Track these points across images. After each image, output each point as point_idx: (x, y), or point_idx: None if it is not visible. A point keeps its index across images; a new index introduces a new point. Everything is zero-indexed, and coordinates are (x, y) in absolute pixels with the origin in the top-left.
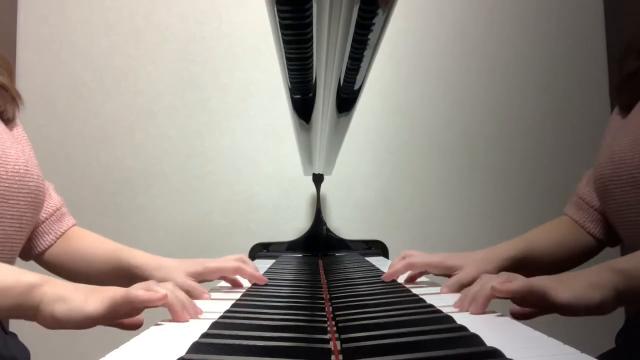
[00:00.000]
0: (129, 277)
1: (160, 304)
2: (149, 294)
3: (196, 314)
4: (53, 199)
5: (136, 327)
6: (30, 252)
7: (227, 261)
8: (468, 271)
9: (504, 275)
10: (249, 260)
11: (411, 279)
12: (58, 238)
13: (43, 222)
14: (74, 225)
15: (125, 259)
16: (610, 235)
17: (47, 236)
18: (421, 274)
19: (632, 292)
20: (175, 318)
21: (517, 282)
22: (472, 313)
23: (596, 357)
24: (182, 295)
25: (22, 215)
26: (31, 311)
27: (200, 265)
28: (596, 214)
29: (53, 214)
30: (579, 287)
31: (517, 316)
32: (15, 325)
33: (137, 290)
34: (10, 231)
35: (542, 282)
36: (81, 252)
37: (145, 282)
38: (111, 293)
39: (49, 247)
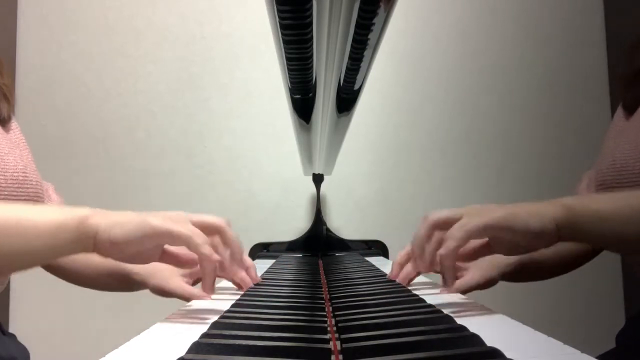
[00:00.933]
0: (126, 282)
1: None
2: (205, 251)
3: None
4: (53, 201)
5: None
6: None
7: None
8: (472, 275)
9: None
10: (247, 258)
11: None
12: None
13: None
14: None
15: (121, 265)
16: None
17: None
18: (418, 273)
19: (574, 228)
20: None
21: (457, 234)
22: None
23: (596, 357)
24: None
25: None
26: (90, 241)
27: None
28: None
29: None
30: (520, 211)
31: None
32: (15, 326)
33: (198, 238)
34: None
35: (481, 218)
36: (80, 255)
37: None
38: (171, 223)
39: None
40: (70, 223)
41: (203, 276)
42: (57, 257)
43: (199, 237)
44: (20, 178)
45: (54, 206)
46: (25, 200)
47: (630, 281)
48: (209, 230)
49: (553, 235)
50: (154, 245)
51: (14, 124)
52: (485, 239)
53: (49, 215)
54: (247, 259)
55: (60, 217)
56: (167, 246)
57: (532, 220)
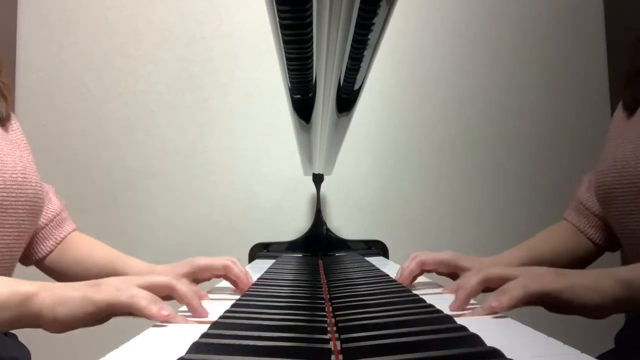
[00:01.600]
0: None
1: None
2: (152, 312)
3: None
4: (53, 204)
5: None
6: (30, 257)
7: (217, 259)
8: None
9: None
10: (239, 264)
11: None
12: (58, 244)
13: (43, 227)
14: (73, 230)
15: (120, 268)
16: (610, 241)
17: (47, 242)
18: (421, 272)
19: (630, 302)
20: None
21: (513, 293)
22: (452, 309)
23: (596, 357)
24: (190, 292)
25: (20, 223)
26: (34, 320)
27: (189, 265)
28: (597, 220)
29: (53, 219)
30: (579, 284)
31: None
32: None
33: (141, 301)
34: (8, 240)
35: (539, 283)
36: (79, 259)
37: (151, 283)
38: (114, 292)
39: (49, 253)
40: (12, 301)
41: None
42: (6, 329)
43: (141, 299)
44: (20, 179)
45: (1, 279)
46: (24, 201)
47: None
48: (158, 291)
49: (609, 310)
50: (98, 320)
51: (14, 124)
52: None
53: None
54: (203, 296)
55: (2, 294)
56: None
57: (592, 296)
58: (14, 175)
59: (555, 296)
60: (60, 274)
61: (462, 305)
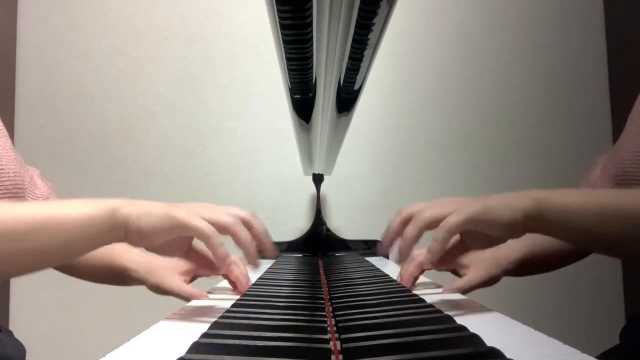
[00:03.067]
0: (123, 278)
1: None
2: (217, 253)
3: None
4: (39, 188)
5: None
6: None
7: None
8: (475, 274)
9: (416, 224)
10: (241, 265)
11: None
12: None
13: None
14: None
15: (118, 261)
16: None
17: None
18: (421, 272)
19: (537, 219)
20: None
21: (439, 236)
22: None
23: (600, 354)
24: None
25: None
26: (122, 231)
27: (190, 264)
28: None
29: None
30: (493, 204)
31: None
32: (15, 325)
33: (214, 240)
34: None
35: (456, 215)
36: None
37: (233, 215)
38: (198, 220)
39: None
40: (102, 214)
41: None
42: (92, 249)
43: (217, 237)
44: None
45: (85, 200)
46: (2, 194)
47: (630, 278)
48: (222, 229)
49: (521, 226)
50: (179, 237)
51: None
52: (457, 239)
53: (81, 208)
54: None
55: (92, 209)
56: (194, 244)
57: (504, 212)
58: None
59: (475, 219)
60: None
61: (406, 255)
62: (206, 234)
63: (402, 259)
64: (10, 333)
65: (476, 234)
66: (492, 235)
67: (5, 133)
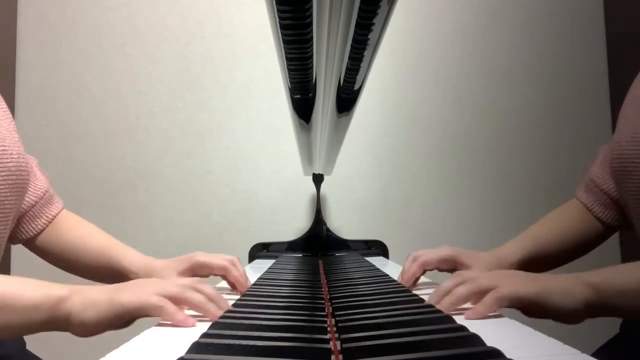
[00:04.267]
0: (119, 278)
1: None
2: (178, 317)
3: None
4: (39, 179)
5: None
6: (19, 236)
7: (217, 258)
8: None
9: (469, 285)
10: (239, 265)
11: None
12: (49, 222)
13: (33, 205)
14: (62, 208)
15: (117, 261)
16: (619, 221)
17: (38, 220)
18: (423, 273)
19: (601, 306)
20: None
21: (486, 300)
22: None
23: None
24: (212, 295)
25: (3, 200)
26: (62, 323)
27: (188, 262)
28: (605, 198)
29: (42, 197)
30: (554, 288)
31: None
32: None
33: (171, 307)
34: None
35: (511, 287)
36: (72, 243)
37: (180, 285)
38: (144, 295)
39: (40, 232)
40: (45, 304)
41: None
42: (26, 334)
43: (170, 306)
44: None
45: (33, 281)
46: (5, 176)
47: None
48: (173, 300)
49: (582, 315)
50: (125, 322)
51: None
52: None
53: (28, 292)
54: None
55: (36, 296)
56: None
57: (566, 300)
58: None
59: (529, 300)
60: (49, 255)
61: (448, 309)
62: (158, 307)
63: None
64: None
65: (530, 312)
66: (547, 317)
67: (9, 115)
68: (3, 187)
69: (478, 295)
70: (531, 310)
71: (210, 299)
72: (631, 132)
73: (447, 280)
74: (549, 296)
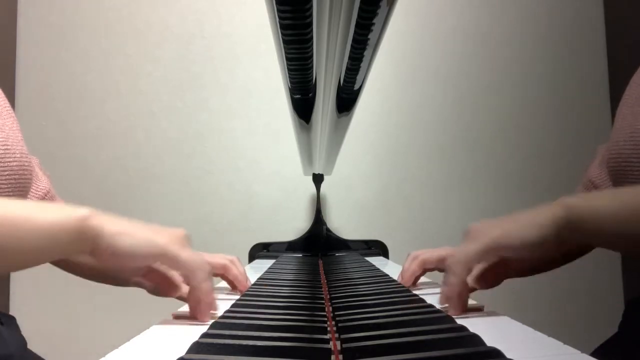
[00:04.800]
0: (121, 280)
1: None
2: (203, 288)
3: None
4: (41, 180)
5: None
6: None
7: (217, 257)
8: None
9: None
10: (240, 264)
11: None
12: None
13: None
14: None
15: None
16: None
17: None
18: (423, 272)
19: (571, 227)
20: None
21: (455, 269)
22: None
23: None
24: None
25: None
26: (88, 242)
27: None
28: None
29: (44, 198)
30: (511, 227)
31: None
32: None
33: (203, 273)
34: None
35: (477, 244)
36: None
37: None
38: (183, 250)
39: None
40: (70, 222)
41: (195, 307)
42: (55, 258)
43: (203, 272)
44: (0, 152)
45: (54, 204)
46: (7, 175)
47: (630, 272)
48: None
49: (554, 240)
50: (151, 264)
51: None
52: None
53: (49, 213)
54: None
55: (61, 215)
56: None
57: (528, 231)
58: None
59: (493, 247)
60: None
61: (463, 307)
62: (190, 267)
63: (456, 308)
64: (13, 321)
65: (510, 263)
66: (525, 259)
67: (13, 114)
68: (6, 186)
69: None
70: (506, 259)
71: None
72: (629, 131)
73: (445, 278)
74: (509, 234)
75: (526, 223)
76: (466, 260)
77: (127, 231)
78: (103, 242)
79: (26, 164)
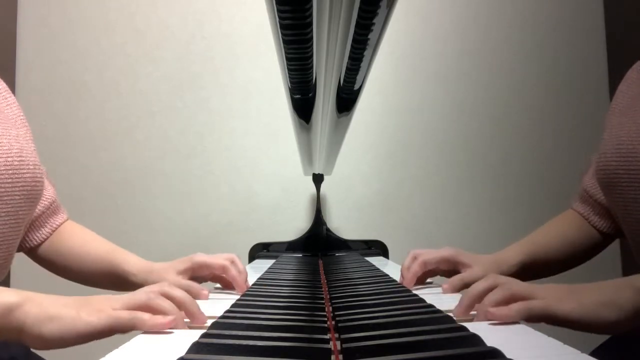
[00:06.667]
0: (121, 282)
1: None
2: (155, 322)
3: (200, 318)
4: (47, 190)
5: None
6: (22, 244)
7: (216, 258)
8: (475, 272)
9: (502, 290)
10: (239, 263)
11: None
12: (53, 232)
13: (39, 215)
14: (67, 218)
15: (117, 264)
16: (618, 228)
17: (42, 230)
18: (430, 272)
19: None
20: (192, 322)
21: (515, 306)
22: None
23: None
24: (186, 299)
25: (17, 210)
26: (13, 333)
27: (188, 262)
28: (600, 208)
29: (49, 207)
30: (589, 302)
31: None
32: None
33: (144, 315)
34: (5, 229)
35: (544, 302)
36: (74, 251)
37: (147, 292)
38: (112, 312)
39: (43, 241)
40: None
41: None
42: None
43: (142, 315)
44: (16, 163)
45: None
46: (21, 187)
47: (630, 272)
48: (142, 308)
49: (630, 323)
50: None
51: (10, 98)
52: None
53: None
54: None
55: None
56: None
57: (607, 312)
58: (9, 159)
59: (562, 318)
60: (52, 264)
61: (467, 310)
62: (130, 321)
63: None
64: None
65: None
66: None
67: (26, 123)
68: (19, 197)
69: (509, 300)
70: (565, 325)
71: (180, 303)
72: (615, 143)
73: (479, 282)
74: (586, 310)
75: (602, 302)
76: (527, 314)
77: (53, 317)
78: (31, 331)
79: (39, 175)
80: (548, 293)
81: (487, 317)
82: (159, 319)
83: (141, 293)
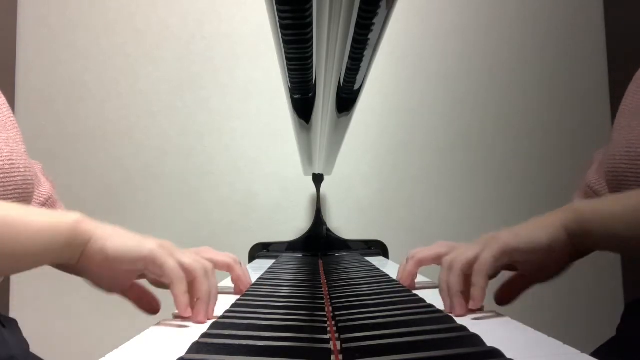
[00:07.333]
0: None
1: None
2: (181, 309)
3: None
4: (43, 185)
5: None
6: None
7: (222, 255)
8: (445, 260)
9: (453, 274)
10: (243, 266)
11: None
12: None
13: None
14: None
15: None
16: None
17: None
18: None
19: (581, 231)
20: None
21: (475, 292)
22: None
23: (598, 347)
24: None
25: None
26: (79, 248)
27: (195, 254)
28: None
29: (45, 203)
30: (524, 230)
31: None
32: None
33: (184, 297)
34: None
35: (484, 260)
36: None
37: (204, 267)
38: (174, 264)
39: None
40: (62, 226)
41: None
42: (47, 263)
43: (182, 284)
44: (7, 167)
45: (45, 210)
46: (12, 190)
47: (630, 272)
48: (188, 273)
49: (565, 243)
50: (138, 270)
51: None
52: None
53: (41, 217)
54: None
55: (52, 220)
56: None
57: (536, 234)
58: (0, 163)
59: (504, 252)
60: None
61: (460, 308)
62: (174, 276)
63: (458, 310)
64: (14, 324)
65: (525, 268)
66: (537, 263)
67: (16, 124)
68: (11, 200)
69: (466, 273)
70: (520, 264)
71: (209, 296)
72: (625, 145)
73: (443, 278)
74: (517, 238)
75: (536, 227)
76: (486, 269)
77: (117, 234)
78: (94, 245)
79: (29, 176)
80: (487, 242)
81: (469, 311)
82: (184, 311)
83: (196, 263)
